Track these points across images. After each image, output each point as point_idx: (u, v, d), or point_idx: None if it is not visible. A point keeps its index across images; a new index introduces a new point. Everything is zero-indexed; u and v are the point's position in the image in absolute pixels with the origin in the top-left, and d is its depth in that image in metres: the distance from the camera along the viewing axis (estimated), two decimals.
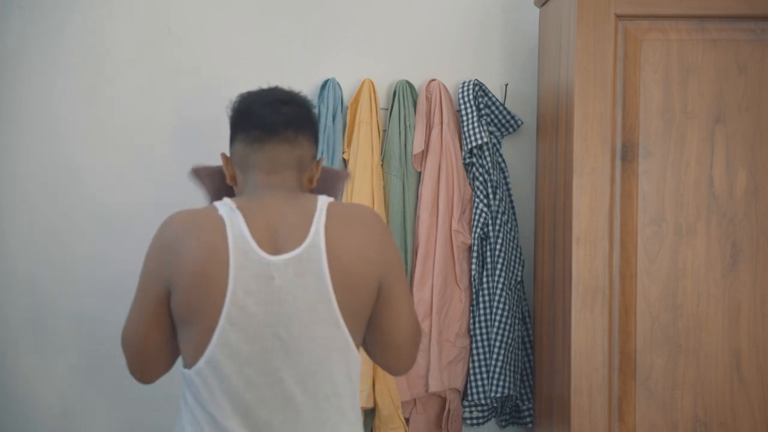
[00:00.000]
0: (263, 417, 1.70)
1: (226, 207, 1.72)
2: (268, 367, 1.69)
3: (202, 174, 1.95)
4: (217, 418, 1.70)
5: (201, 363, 1.69)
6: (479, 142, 2.58)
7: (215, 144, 2.64)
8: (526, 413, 2.65)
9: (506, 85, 2.71)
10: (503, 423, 2.69)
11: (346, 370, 1.75)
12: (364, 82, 2.62)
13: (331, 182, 1.96)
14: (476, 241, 2.59)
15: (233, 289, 1.66)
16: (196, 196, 2.66)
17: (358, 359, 1.76)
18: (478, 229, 2.59)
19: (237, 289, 1.67)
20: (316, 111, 1.88)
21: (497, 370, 2.54)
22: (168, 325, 1.74)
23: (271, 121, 1.77)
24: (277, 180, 1.78)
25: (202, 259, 1.67)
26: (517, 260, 2.65)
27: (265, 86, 1.87)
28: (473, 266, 2.59)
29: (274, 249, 1.70)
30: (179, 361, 1.80)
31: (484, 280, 2.60)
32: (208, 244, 1.68)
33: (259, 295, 1.68)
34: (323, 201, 1.76)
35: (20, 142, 2.65)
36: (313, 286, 1.69)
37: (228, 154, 1.84)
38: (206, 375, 1.69)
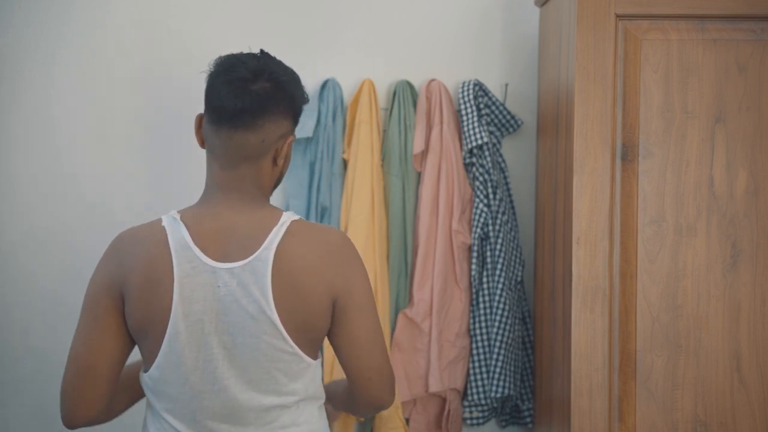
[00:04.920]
0: (210, 425, 1.71)
1: (169, 218, 1.72)
2: (213, 375, 1.69)
3: None
4: (169, 420, 1.72)
5: (153, 369, 1.70)
6: (479, 142, 2.58)
7: None
8: (526, 413, 2.65)
9: (506, 85, 2.71)
10: (503, 423, 2.69)
11: (296, 378, 1.73)
12: (364, 82, 2.62)
13: None
14: (476, 241, 2.59)
15: (179, 297, 1.66)
16: (196, 196, 2.66)
17: (312, 365, 1.74)
18: (478, 229, 2.59)
19: (182, 298, 1.66)
20: (296, 81, 1.78)
21: (497, 370, 2.54)
22: (122, 337, 1.72)
23: (229, 105, 1.71)
24: (232, 179, 1.74)
25: (147, 270, 1.67)
26: (517, 260, 2.64)
27: (249, 51, 1.80)
28: (473, 266, 2.59)
29: (223, 257, 1.68)
30: None
31: (484, 280, 2.60)
32: (152, 254, 1.68)
33: (205, 303, 1.67)
34: (287, 217, 1.72)
35: (20, 142, 2.65)
36: (255, 298, 1.67)
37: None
38: (157, 381, 1.71)
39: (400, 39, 2.71)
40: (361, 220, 2.56)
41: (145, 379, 1.73)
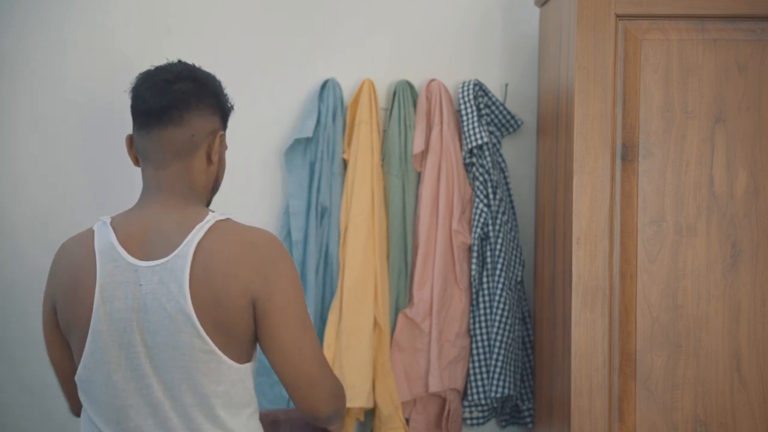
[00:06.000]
0: (134, 424, 1.69)
1: (99, 222, 1.76)
2: (136, 373, 1.68)
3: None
4: (97, 423, 1.72)
5: (80, 369, 1.72)
6: (479, 142, 2.58)
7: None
8: (526, 413, 2.65)
9: (506, 85, 2.71)
10: (503, 423, 2.69)
11: (217, 380, 1.69)
12: (364, 82, 2.62)
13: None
14: (476, 241, 2.59)
15: (101, 296, 1.68)
16: None
17: (235, 368, 1.70)
18: (478, 229, 2.59)
19: (105, 296, 1.68)
20: (218, 83, 1.81)
21: (497, 370, 2.54)
22: (68, 345, 1.78)
23: (154, 104, 1.72)
24: (165, 177, 1.75)
25: (72, 272, 1.72)
26: (517, 260, 2.64)
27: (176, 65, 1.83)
28: (473, 266, 2.59)
29: (145, 256, 1.69)
30: None
31: (484, 280, 2.60)
32: (78, 257, 1.72)
33: (126, 301, 1.68)
34: (212, 216, 1.71)
35: (20, 142, 2.65)
36: (174, 295, 1.66)
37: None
38: (84, 381, 1.72)
39: (400, 39, 2.71)
40: (361, 220, 2.56)
41: (77, 380, 1.75)
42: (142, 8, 2.67)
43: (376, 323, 2.55)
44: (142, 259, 1.68)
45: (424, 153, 2.63)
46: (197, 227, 1.69)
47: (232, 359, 1.69)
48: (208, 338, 1.66)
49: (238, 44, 2.69)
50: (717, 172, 2.22)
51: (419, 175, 2.65)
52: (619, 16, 2.22)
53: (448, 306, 2.59)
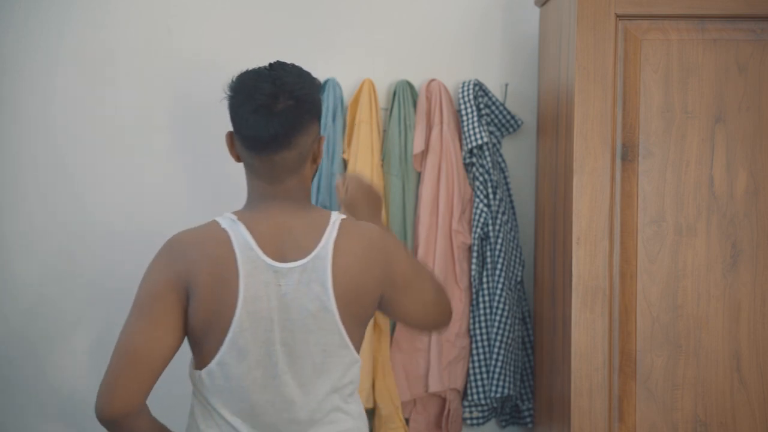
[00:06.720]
0: (268, 417, 1.79)
1: (227, 220, 1.79)
2: (273, 370, 1.77)
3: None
4: (225, 416, 1.78)
5: (212, 364, 1.77)
6: (479, 142, 2.58)
7: (216, 143, 2.65)
8: (526, 413, 2.65)
9: (506, 85, 2.71)
10: (503, 423, 2.69)
11: (345, 373, 1.83)
12: (364, 82, 2.62)
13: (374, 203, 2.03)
14: (476, 241, 2.59)
15: (244, 296, 1.73)
16: (194, 196, 2.67)
17: (358, 362, 1.85)
18: (478, 229, 2.59)
19: (247, 296, 1.74)
20: (311, 84, 1.83)
21: (497, 370, 2.54)
22: (179, 332, 1.77)
23: (265, 134, 1.77)
24: (280, 190, 1.82)
25: (214, 268, 1.74)
26: (517, 260, 2.64)
27: (260, 65, 1.85)
28: (473, 266, 2.59)
29: (280, 257, 1.77)
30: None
31: (484, 280, 2.60)
32: (215, 252, 1.75)
33: (267, 302, 1.75)
34: (336, 217, 1.82)
35: (20, 142, 2.65)
36: (316, 295, 1.76)
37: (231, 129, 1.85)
38: (216, 376, 1.77)
39: (400, 39, 2.71)
40: None
41: (200, 376, 1.78)
42: (142, 8, 2.67)
43: (376, 323, 2.55)
44: (277, 261, 1.76)
45: (424, 153, 2.63)
46: (328, 229, 1.80)
47: (357, 352, 1.84)
48: (346, 334, 1.80)
49: (238, 44, 2.68)
50: (717, 172, 2.22)
51: (419, 175, 2.65)
52: (619, 16, 2.22)
53: None
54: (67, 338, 2.64)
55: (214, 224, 1.79)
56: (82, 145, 2.65)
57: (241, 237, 1.76)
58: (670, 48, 2.23)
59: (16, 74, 2.64)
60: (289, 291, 1.76)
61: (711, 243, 2.21)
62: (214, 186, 2.66)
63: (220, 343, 1.75)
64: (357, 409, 1.88)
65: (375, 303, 1.86)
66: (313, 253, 1.77)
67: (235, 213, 1.81)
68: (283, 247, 1.77)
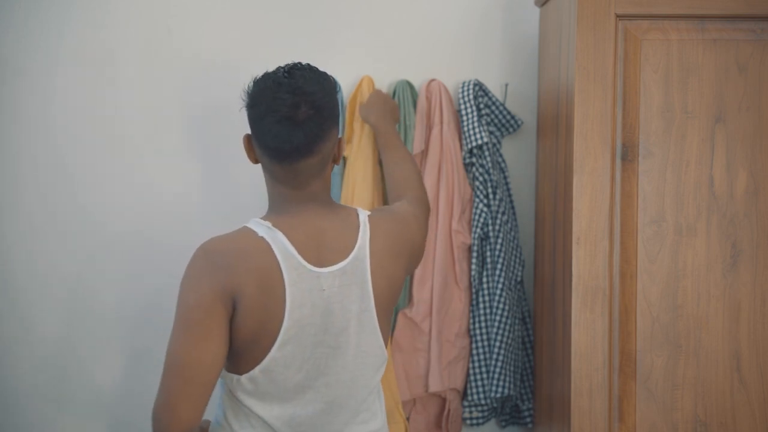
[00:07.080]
0: (308, 419, 1.82)
1: (262, 227, 1.79)
2: (317, 373, 1.80)
3: None
4: (263, 417, 1.80)
5: (256, 371, 1.78)
6: (479, 142, 2.58)
7: (216, 143, 2.65)
8: (526, 413, 2.65)
9: (506, 85, 2.71)
10: (503, 423, 2.69)
11: (378, 372, 1.90)
12: (363, 78, 2.62)
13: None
14: (476, 241, 2.59)
15: (290, 305, 1.75)
16: (195, 196, 2.66)
17: (386, 360, 1.90)
18: (478, 229, 2.59)
19: (293, 305, 1.75)
20: (329, 88, 1.82)
21: (497, 370, 2.54)
22: (226, 345, 1.75)
23: (287, 145, 1.78)
24: (304, 194, 1.84)
25: (259, 279, 1.74)
26: (517, 260, 2.64)
27: (273, 68, 1.86)
28: (473, 266, 2.59)
29: (319, 262, 1.79)
30: None
31: (484, 280, 2.60)
32: (259, 261, 1.75)
33: (312, 308, 1.77)
34: (363, 215, 1.86)
35: (20, 142, 2.65)
36: (357, 296, 1.80)
37: (249, 133, 1.87)
38: (259, 382, 1.79)
39: (400, 39, 2.71)
40: None
41: (240, 380, 1.79)
42: (142, 8, 2.67)
43: None
44: (317, 266, 1.79)
45: (424, 153, 2.63)
46: (360, 229, 1.84)
47: (385, 346, 1.89)
48: (380, 333, 1.86)
49: (238, 44, 2.68)
50: (717, 172, 2.22)
51: None
52: (619, 16, 2.22)
53: (448, 306, 2.59)
54: (67, 338, 2.64)
55: (251, 232, 1.79)
56: (82, 145, 2.65)
57: (281, 245, 1.77)
58: (670, 48, 2.23)
59: (16, 74, 2.64)
60: (331, 295, 1.78)
61: (711, 243, 2.21)
62: (214, 186, 2.65)
63: (266, 351, 1.76)
64: (383, 407, 1.95)
65: (402, 288, 1.95)
66: (351, 255, 1.80)
67: (266, 219, 1.81)
68: (320, 252, 1.79)
